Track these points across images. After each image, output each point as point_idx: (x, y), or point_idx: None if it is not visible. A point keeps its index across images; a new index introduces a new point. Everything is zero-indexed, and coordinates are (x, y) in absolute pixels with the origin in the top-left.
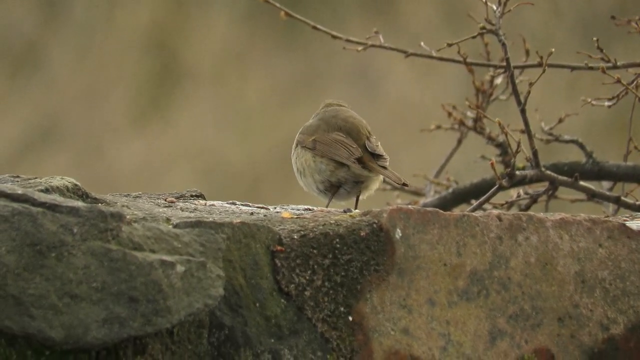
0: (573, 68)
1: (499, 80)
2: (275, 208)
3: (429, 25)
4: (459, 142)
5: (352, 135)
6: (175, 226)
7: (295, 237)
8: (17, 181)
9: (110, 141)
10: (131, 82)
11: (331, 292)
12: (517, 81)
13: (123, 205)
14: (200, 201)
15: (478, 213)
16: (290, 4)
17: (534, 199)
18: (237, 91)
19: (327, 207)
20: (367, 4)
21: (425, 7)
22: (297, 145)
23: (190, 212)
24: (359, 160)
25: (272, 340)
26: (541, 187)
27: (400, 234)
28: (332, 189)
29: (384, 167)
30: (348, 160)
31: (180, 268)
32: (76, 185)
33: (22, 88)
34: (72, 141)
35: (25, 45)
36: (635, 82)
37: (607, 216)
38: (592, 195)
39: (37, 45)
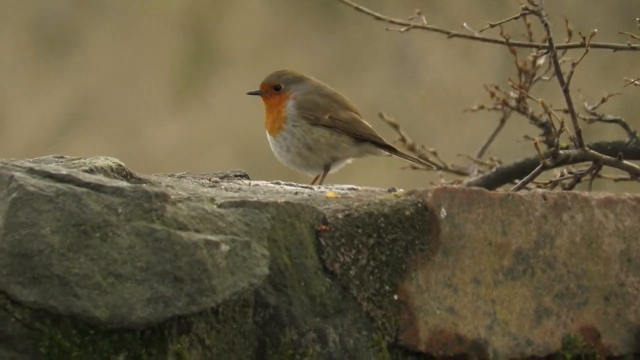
0: (616, 48)
1: (541, 61)
2: (319, 187)
3: (466, 7)
4: (502, 122)
5: (359, 114)
6: (220, 206)
7: (340, 216)
8: (62, 162)
9: (147, 122)
10: (168, 62)
11: (376, 271)
12: (559, 62)
13: (167, 185)
14: (245, 181)
15: (523, 192)
16: None
17: (577, 178)
18: None
19: (320, 183)
20: None
21: None
22: (299, 121)
23: (235, 192)
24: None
25: (317, 319)
26: (585, 166)
27: (445, 213)
28: (330, 166)
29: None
30: (382, 140)
31: (224, 247)
32: (120, 165)
33: (59, 69)
34: (109, 122)
35: (61, 26)
36: None
37: None
38: (636, 174)
39: (73, 26)
